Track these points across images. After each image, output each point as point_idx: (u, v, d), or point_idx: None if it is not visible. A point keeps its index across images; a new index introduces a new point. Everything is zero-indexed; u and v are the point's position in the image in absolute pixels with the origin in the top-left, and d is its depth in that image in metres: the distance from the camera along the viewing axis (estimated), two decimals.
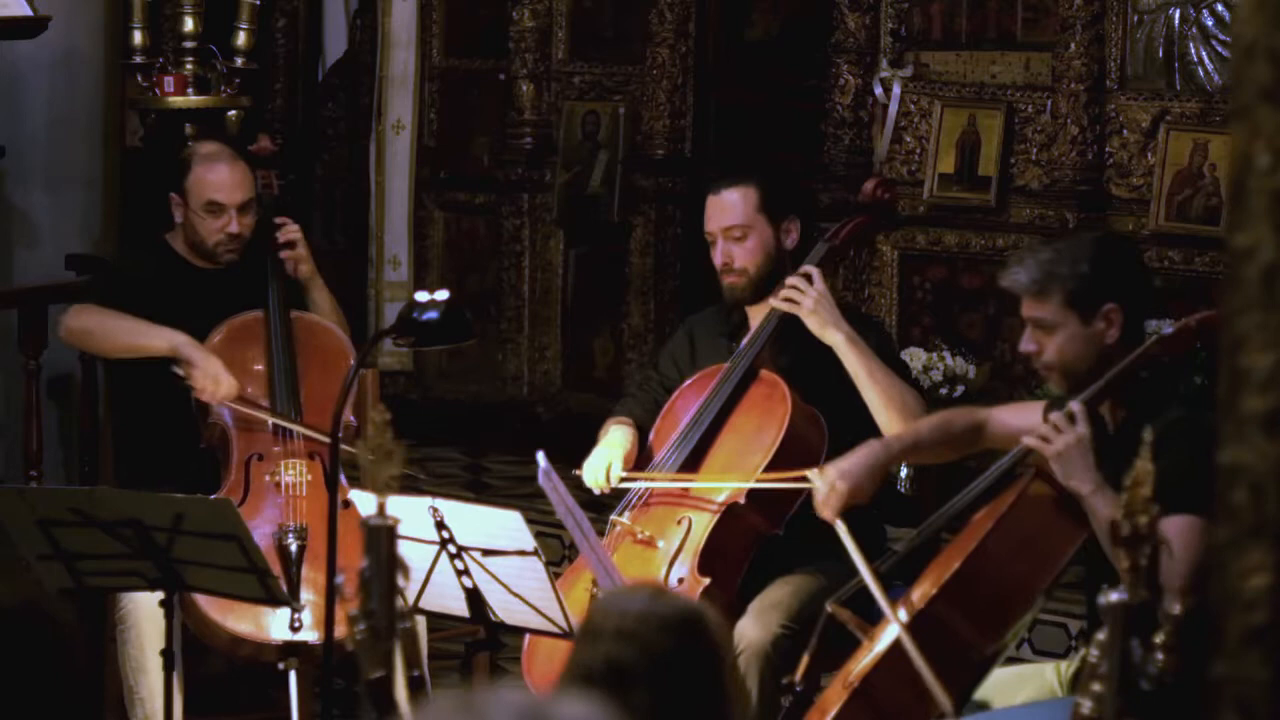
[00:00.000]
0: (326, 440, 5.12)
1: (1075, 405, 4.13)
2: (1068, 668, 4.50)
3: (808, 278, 5.03)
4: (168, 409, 5.43)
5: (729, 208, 5.15)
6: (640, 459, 5.15)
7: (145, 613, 5.03)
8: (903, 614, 4.22)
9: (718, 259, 5.16)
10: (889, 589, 4.39)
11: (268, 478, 5.33)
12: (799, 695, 4.44)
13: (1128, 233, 6.98)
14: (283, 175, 5.86)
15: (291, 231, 5.60)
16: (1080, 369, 4.21)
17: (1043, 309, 4.22)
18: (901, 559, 4.48)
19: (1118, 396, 4.21)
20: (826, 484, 4.52)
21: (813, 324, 4.99)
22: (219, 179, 5.51)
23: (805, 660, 4.45)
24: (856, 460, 4.57)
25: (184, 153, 5.70)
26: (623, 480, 5.08)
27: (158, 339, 5.37)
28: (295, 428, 5.36)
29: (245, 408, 5.36)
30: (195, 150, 5.66)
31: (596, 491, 5.11)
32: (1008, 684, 4.44)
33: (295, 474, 5.32)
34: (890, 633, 4.26)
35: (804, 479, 4.72)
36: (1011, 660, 4.81)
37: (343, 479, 4.85)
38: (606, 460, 5.11)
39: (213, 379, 5.29)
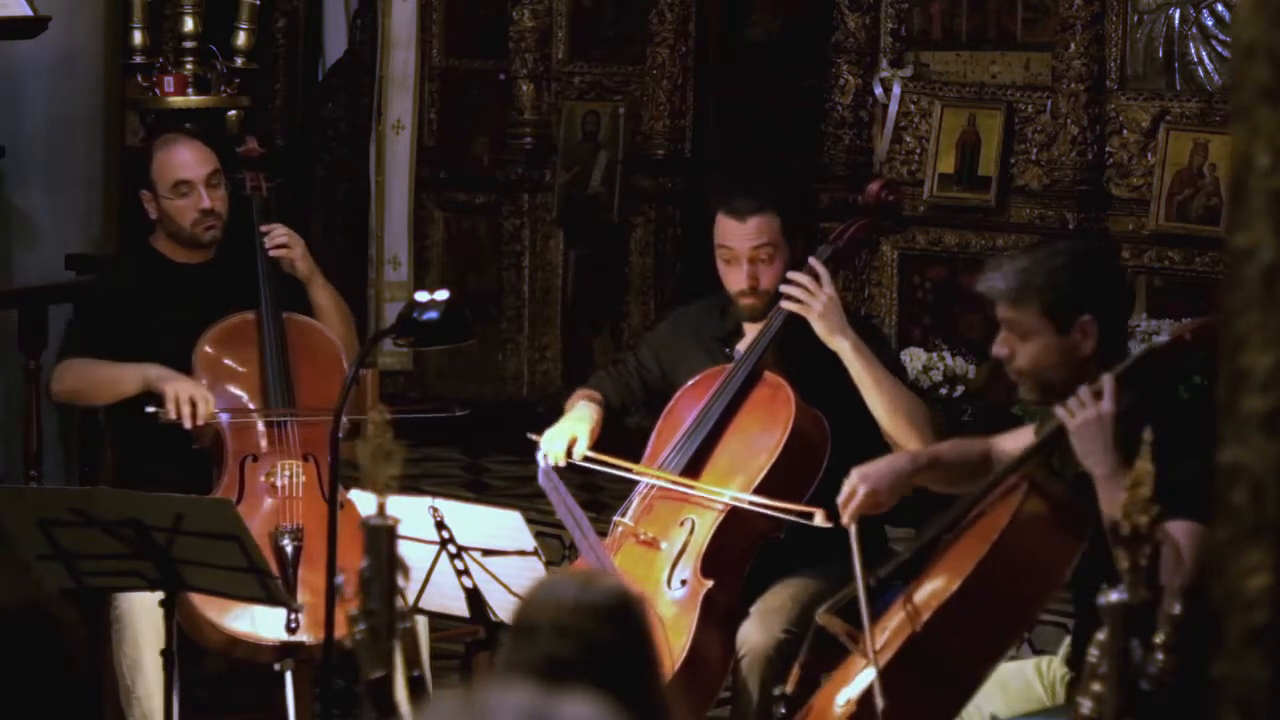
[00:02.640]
0: (324, 421, 5.11)
1: (1106, 378, 4.04)
2: (1049, 665, 4.48)
3: (815, 277, 4.94)
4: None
5: (758, 230, 5.01)
6: (641, 459, 5.12)
7: (141, 611, 5.02)
8: (887, 637, 4.21)
9: (741, 280, 5.01)
10: (889, 590, 4.37)
11: (262, 479, 5.30)
12: (790, 700, 4.42)
13: (1106, 242, 6.92)
14: (271, 177, 5.82)
15: (279, 236, 5.56)
16: (1053, 379, 4.18)
17: (1018, 314, 4.21)
18: (903, 563, 4.45)
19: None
20: (849, 486, 4.47)
21: (820, 329, 4.91)
22: (180, 158, 5.54)
23: (795, 671, 4.42)
24: (880, 467, 4.52)
25: (146, 150, 5.75)
26: (585, 460, 5.02)
27: (132, 380, 5.34)
28: (291, 418, 5.35)
29: (238, 417, 5.34)
30: (153, 143, 5.74)
31: (551, 462, 4.98)
32: (989, 684, 4.41)
33: (290, 475, 5.31)
34: (878, 645, 4.24)
35: (794, 513, 4.74)
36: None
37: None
38: (571, 434, 5.04)
39: (188, 402, 5.23)
